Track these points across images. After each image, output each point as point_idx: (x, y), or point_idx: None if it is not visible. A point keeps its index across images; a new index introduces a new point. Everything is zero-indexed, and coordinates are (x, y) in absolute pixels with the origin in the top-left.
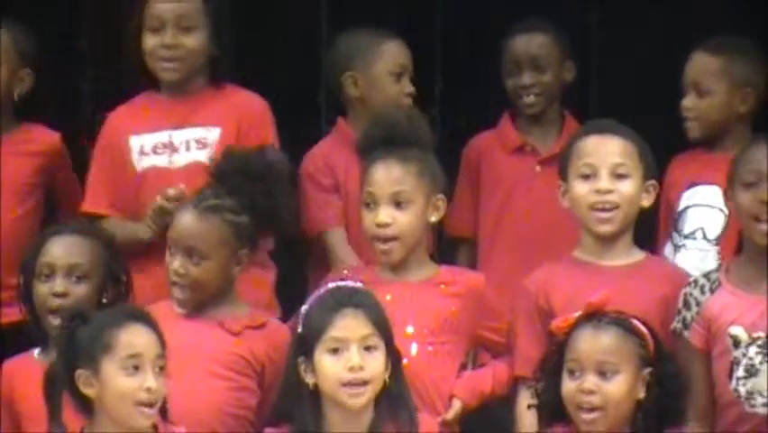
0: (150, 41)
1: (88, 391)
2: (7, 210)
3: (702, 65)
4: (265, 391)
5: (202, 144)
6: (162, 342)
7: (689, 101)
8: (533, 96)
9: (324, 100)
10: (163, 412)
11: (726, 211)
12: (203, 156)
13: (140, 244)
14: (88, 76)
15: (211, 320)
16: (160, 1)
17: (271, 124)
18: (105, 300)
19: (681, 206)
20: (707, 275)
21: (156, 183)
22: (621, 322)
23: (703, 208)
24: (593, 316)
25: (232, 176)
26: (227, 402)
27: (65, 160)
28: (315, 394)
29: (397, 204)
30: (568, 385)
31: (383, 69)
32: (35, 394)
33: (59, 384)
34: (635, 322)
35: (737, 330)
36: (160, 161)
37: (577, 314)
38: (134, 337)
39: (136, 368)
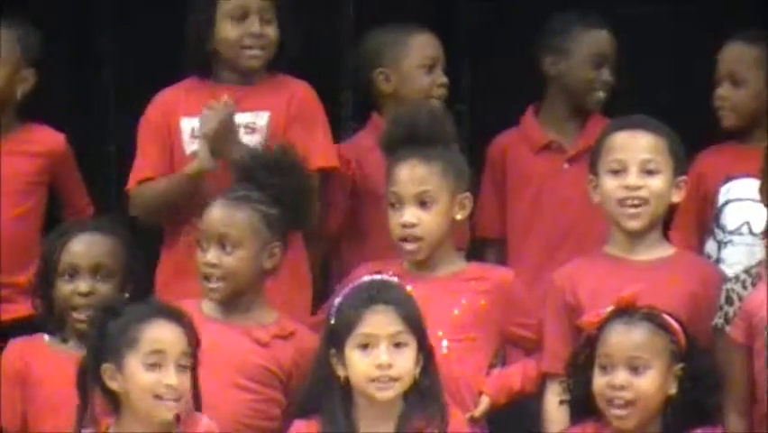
0: (233, 31)
1: (113, 386)
2: (8, 208)
3: (739, 55)
4: (291, 398)
5: (251, 129)
6: (191, 339)
7: (724, 90)
8: (603, 92)
9: (349, 98)
10: (197, 403)
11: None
12: (253, 141)
13: (191, 186)
14: (105, 75)
15: (239, 327)
16: None
17: (320, 108)
18: (126, 296)
19: (721, 201)
20: (747, 270)
21: None
22: (653, 317)
23: (745, 202)
24: (624, 311)
25: (257, 172)
26: (249, 415)
27: (70, 160)
28: (346, 387)
29: (422, 203)
30: (599, 380)
31: (413, 63)
32: (51, 379)
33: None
34: (667, 317)
35: None
36: None
37: (608, 309)
38: (158, 333)
39: (158, 364)
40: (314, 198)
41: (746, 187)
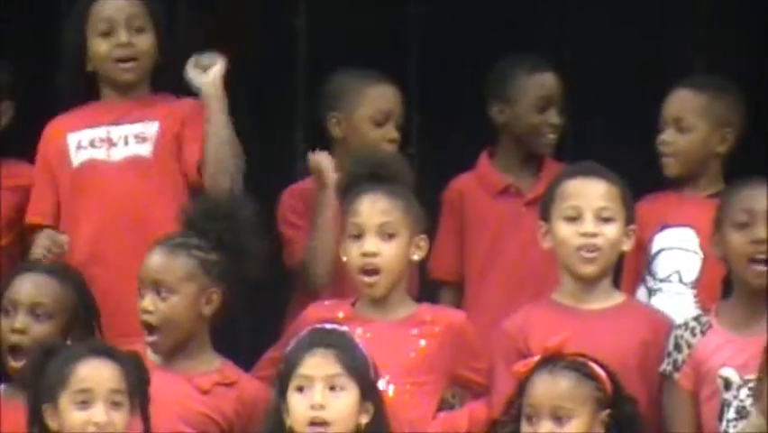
0: (102, 45)
1: (53, 426)
2: None
3: (685, 101)
4: None
5: (141, 139)
6: (133, 377)
7: (668, 136)
8: (553, 135)
9: (301, 137)
10: None
11: (701, 254)
12: (143, 150)
13: None
14: None
15: (181, 374)
16: (107, 4)
17: (201, 116)
18: (68, 342)
19: (654, 249)
20: (696, 318)
21: (93, 175)
22: (577, 366)
23: (677, 252)
24: (550, 360)
25: (199, 219)
26: None
27: None
28: None
29: (384, 236)
30: (525, 430)
31: (364, 115)
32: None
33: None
34: (592, 365)
35: (729, 372)
36: (98, 153)
37: (535, 358)
38: (86, 371)
39: (86, 402)
40: (258, 244)
41: (680, 236)
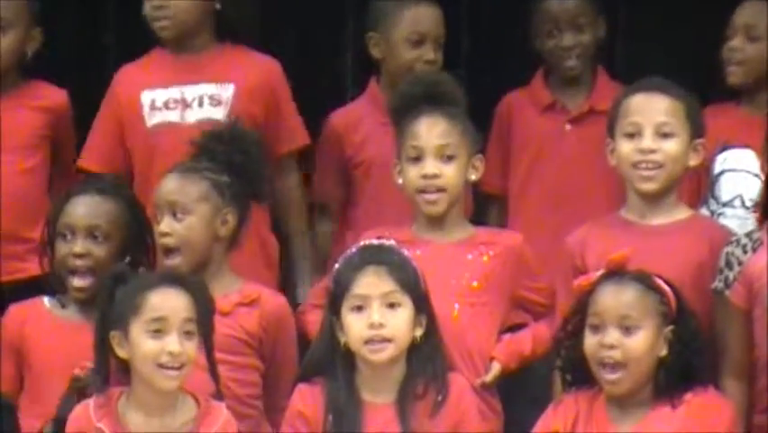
0: (147, 3)
1: (122, 353)
2: (16, 162)
3: (758, 10)
4: (268, 362)
5: (216, 101)
6: (202, 306)
7: (737, 43)
8: (574, 57)
9: (348, 63)
10: (213, 371)
11: (762, 176)
12: (217, 113)
13: None
14: (107, 37)
15: None
16: None
17: (287, 86)
18: (128, 261)
19: (717, 169)
20: (749, 234)
21: (167, 139)
22: (642, 278)
23: (740, 174)
24: (614, 273)
25: (208, 143)
26: (226, 385)
27: (69, 117)
28: (348, 351)
29: (444, 157)
30: (590, 341)
31: (400, 35)
32: (47, 345)
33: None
34: (657, 279)
35: None
36: (173, 116)
37: (599, 272)
38: (161, 300)
39: (160, 331)
40: (264, 168)
41: (742, 157)
